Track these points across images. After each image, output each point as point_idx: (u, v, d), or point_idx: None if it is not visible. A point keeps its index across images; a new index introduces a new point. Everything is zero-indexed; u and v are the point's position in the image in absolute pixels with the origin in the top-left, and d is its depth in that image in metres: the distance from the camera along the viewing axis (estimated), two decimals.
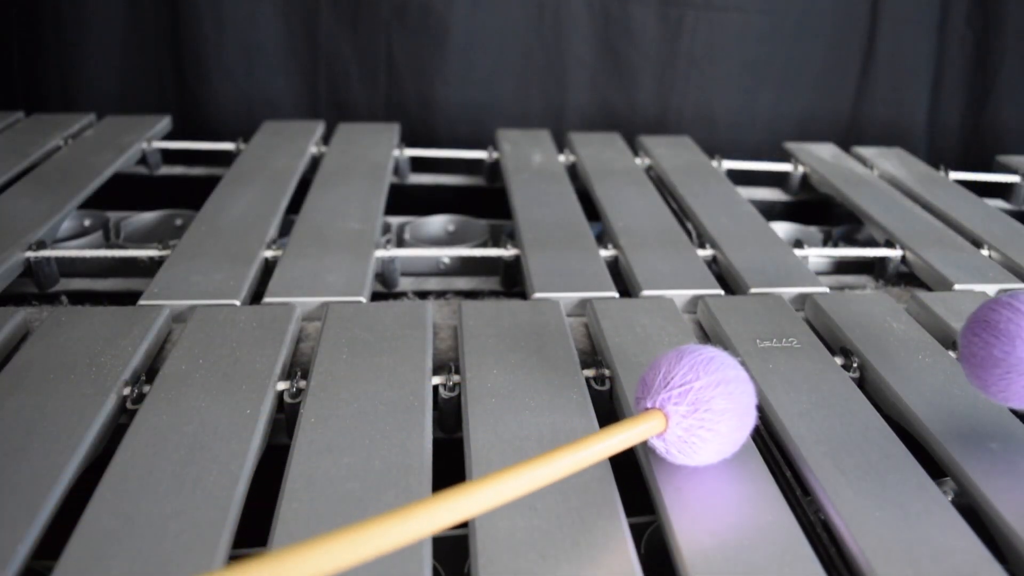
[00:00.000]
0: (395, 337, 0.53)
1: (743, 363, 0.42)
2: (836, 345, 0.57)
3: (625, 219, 0.76)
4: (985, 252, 0.72)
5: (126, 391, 0.48)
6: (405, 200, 0.91)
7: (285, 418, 0.48)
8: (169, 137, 0.98)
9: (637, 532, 0.43)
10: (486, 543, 0.36)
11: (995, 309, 0.42)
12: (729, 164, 0.96)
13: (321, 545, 0.28)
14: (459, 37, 1.21)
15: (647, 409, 0.40)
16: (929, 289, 0.69)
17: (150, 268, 0.67)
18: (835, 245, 0.89)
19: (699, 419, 0.38)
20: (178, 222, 0.86)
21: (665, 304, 0.60)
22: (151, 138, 0.94)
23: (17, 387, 0.47)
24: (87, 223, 0.84)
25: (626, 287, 0.66)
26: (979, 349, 0.42)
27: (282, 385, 0.49)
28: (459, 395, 0.49)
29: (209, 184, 0.81)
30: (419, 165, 0.98)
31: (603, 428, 0.38)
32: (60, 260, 0.68)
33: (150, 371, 0.51)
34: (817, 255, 0.74)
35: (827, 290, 0.64)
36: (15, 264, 0.64)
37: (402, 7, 1.19)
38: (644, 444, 0.44)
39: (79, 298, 0.67)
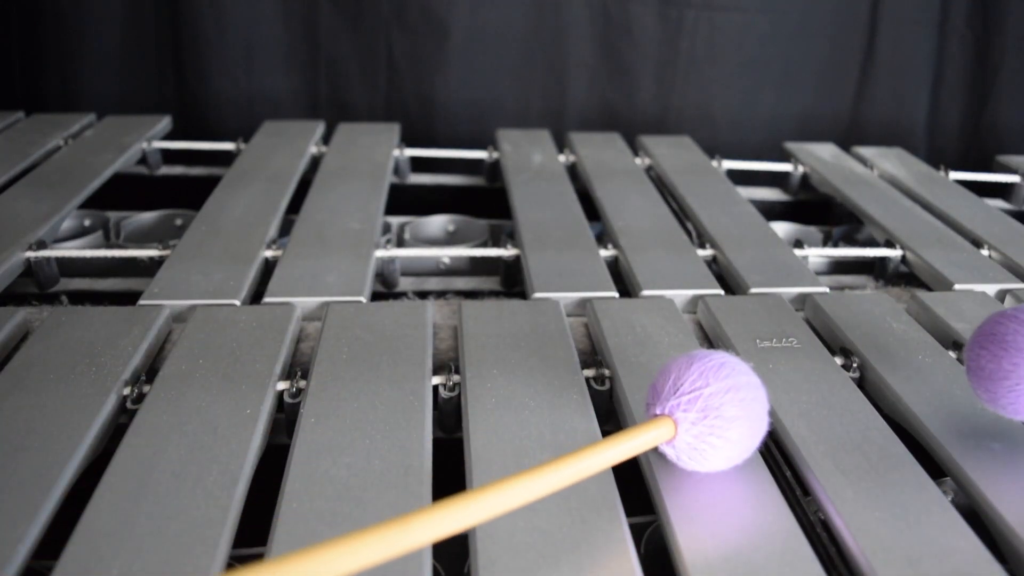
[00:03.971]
0: (395, 337, 0.53)
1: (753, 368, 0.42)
2: (836, 345, 0.57)
3: (625, 219, 0.76)
4: (985, 252, 0.72)
5: (126, 391, 0.48)
6: (405, 200, 0.91)
7: (285, 418, 0.48)
8: (169, 137, 0.98)
9: (637, 532, 0.43)
10: (486, 543, 0.36)
11: (1001, 322, 0.42)
12: (729, 164, 0.96)
13: (322, 552, 0.28)
14: (459, 37, 1.21)
15: (656, 416, 0.40)
16: (929, 289, 0.69)
17: (150, 268, 0.67)
18: (835, 245, 0.89)
19: (709, 426, 0.38)
20: (178, 222, 0.86)
21: (665, 304, 0.60)
22: (151, 138, 0.94)
23: (17, 387, 0.47)
24: (87, 223, 0.84)
25: (626, 287, 0.66)
26: (987, 362, 0.42)
27: (282, 385, 0.49)
28: (459, 395, 0.49)
29: (209, 184, 0.81)
30: (419, 165, 0.98)
31: (611, 435, 0.38)
32: (60, 260, 0.68)
33: (150, 371, 0.51)
34: (817, 255, 0.74)
35: (827, 290, 0.64)
36: (15, 264, 0.64)
37: (402, 7, 1.19)
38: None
39: (79, 298, 0.67)
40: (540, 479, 0.34)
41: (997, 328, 0.42)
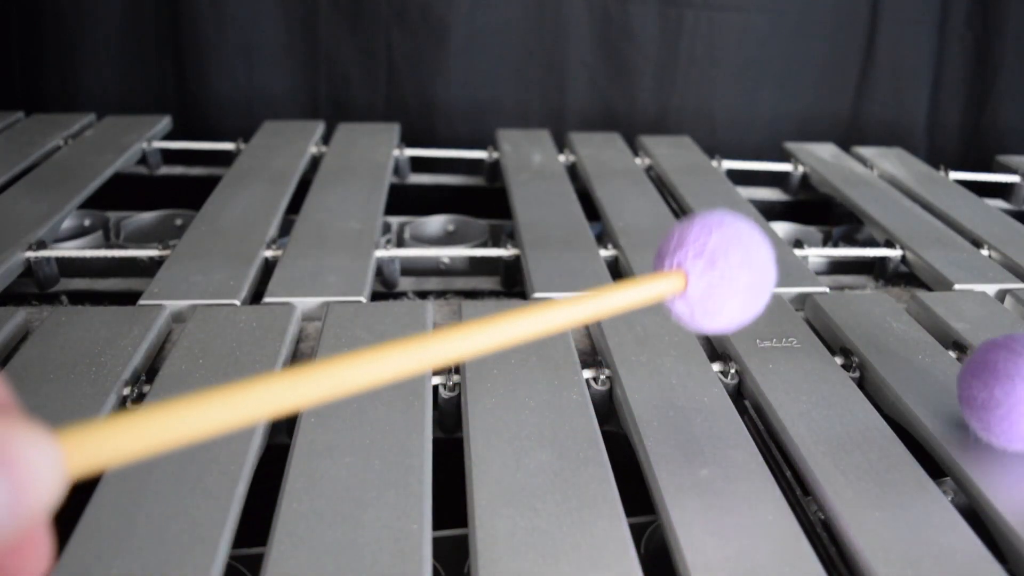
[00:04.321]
0: (395, 337, 0.53)
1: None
2: (836, 345, 0.57)
3: (625, 219, 0.76)
4: (985, 252, 0.72)
5: (126, 391, 0.48)
6: (405, 200, 0.91)
7: (285, 418, 0.48)
8: (169, 137, 0.98)
9: (637, 532, 0.43)
10: (486, 543, 0.36)
11: (991, 351, 0.42)
12: (729, 164, 0.95)
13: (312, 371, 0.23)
14: (459, 37, 1.21)
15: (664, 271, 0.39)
16: (929, 289, 0.69)
17: (150, 268, 0.67)
18: (835, 245, 0.89)
19: (719, 275, 0.37)
20: (178, 222, 0.86)
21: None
22: (151, 138, 0.94)
23: (17, 387, 0.47)
24: (87, 223, 0.84)
25: None
26: (979, 392, 0.42)
27: None
28: (459, 395, 0.49)
29: (209, 184, 0.81)
30: (419, 165, 0.98)
31: (618, 281, 0.36)
32: (60, 260, 0.68)
33: (150, 371, 0.51)
34: (817, 255, 0.74)
35: (827, 290, 0.64)
36: (15, 264, 0.64)
37: (402, 7, 1.19)
38: (643, 444, 0.44)
39: (79, 298, 0.67)
40: (542, 315, 0.32)
41: (988, 357, 0.42)
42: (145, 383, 0.48)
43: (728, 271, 0.37)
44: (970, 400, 0.42)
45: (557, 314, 0.32)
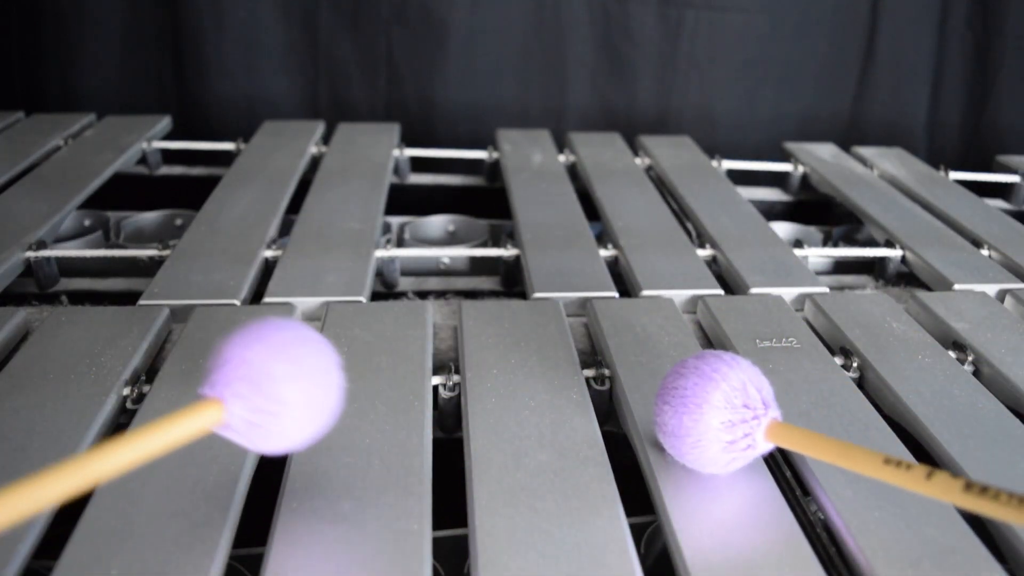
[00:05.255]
0: (395, 337, 0.53)
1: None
2: (836, 345, 0.57)
3: (625, 219, 0.76)
4: (985, 252, 0.72)
5: (126, 391, 0.48)
6: (405, 200, 0.91)
7: None
8: (169, 137, 0.98)
9: (637, 532, 0.43)
10: (486, 543, 0.36)
11: (682, 374, 0.39)
12: (729, 164, 0.95)
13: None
14: (459, 37, 1.21)
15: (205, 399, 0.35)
16: (929, 289, 0.69)
17: (150, 268, 0.67)
18: (835, 245, 0.89)
19: (261, 396, 0.34)
20: (178, 222, 0.86)
21: (665, 304, 0.60)
22: (151, 138, 0.94)
23: (17, 387, 0.47)
24: (87, 223, 0.84)
25: (626, 287, 0.66)
26: (669, 419, 0.39)
27: None
28: (459, 395, 0.49)
29: (209, 184, 0.81)
30: (419, 165, 0.98)
31: (149, 425, 0.34)
32: (60, 260, 0.68)
33: (150, 371, 0.51)
34: (817, 255, 0.74)
35: (827, 290, 0.64)
36: (15, 264, 0.64)
37: (402, 7, 1.19)
38: (643, 444, 0.44)
39: (79, 298, 0.67)
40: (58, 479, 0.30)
41: (678, 382, 0.39)
42: (145, 383, 0.48)
43: (271, 389, 0.34)
44: (663, 426, 0.40)
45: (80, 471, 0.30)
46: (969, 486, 0.31)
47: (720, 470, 0.40)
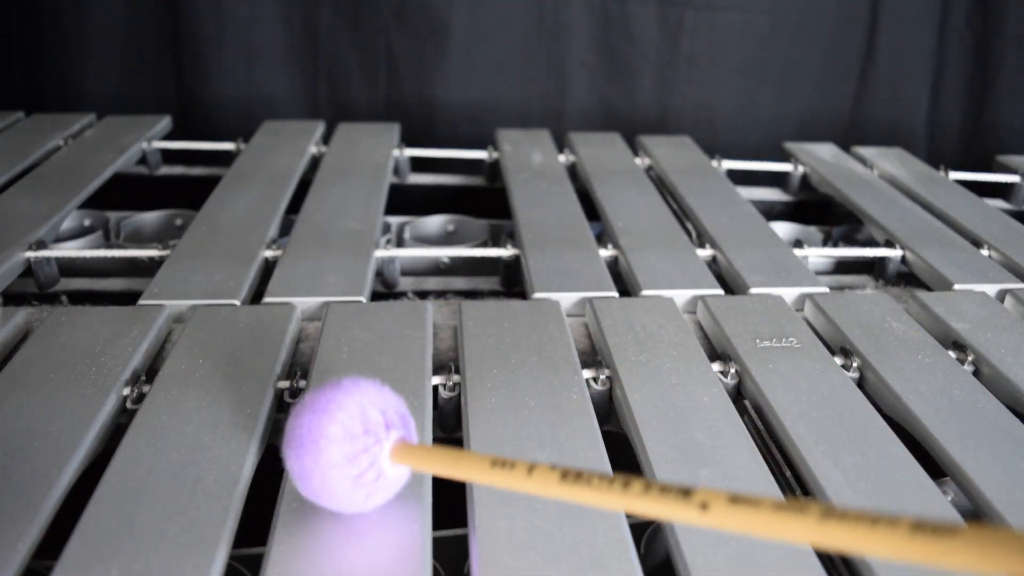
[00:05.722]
0: (395, 337, 0.53)
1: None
2: (836, 345, 0.57)
3: (625, 219, 0.76)
4: (985, 252, 0.72)
5: (126, 391, 0.48)
6: (405, 200, 0.91)
7: (285, 418, 0.48)
8: (169, 137, 0.98)
9: (637, 532, 0.43)
10: (486, 543, 0.36)
11: (295, 421, 0.37)
12: (729, 164, 0.95)
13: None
14: (459, 37, 1.21)
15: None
16: (929, 289, 0.69)
17: (150, 268, 0.67)
18: (835, 245, 0.89)
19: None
20: (178, 222, 0.86)
21: (665, 304, 0.60)
22: (151, 138, 0.94)
23: (17, 387, 0.47)
24: (87, 223, 0.84)
25: (626, 287, 0.66)
26: (295, 464, 0.36)
27: (282, 385, 0.49)
28: (459, 395, 0.49)
29: (209, 184, 0.81)
30: (419, 165, 0.98)
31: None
32: (60, 260, 0.68)
33: (150, 371, 0.51)
34: (817, 255, 0.74)
35: (827, 290, 0.64)
36: (15, 264, 0.64)
37: (402, 7, 1.19)
38: (643, 444, 0.44)
39: (79, 298, 0.67)
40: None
41: (293, 431, 0.36)
42: (145, 383, 0.48)
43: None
44: (295, 475, 0.37)
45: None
46: (567, 475, 0.30)
47: (360, 507, 0.37)
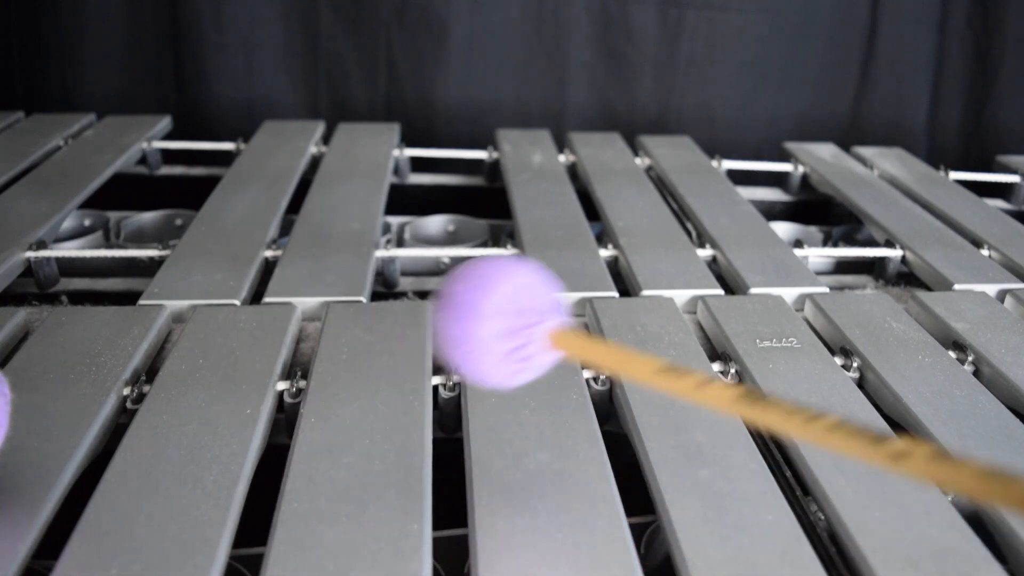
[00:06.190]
0: (395, 337, 0.53)
1: None
2: (836, 345, 0.57)
3: (625, 219, 0.76)
4: (985, 252, 0.72)
5: (126, 391, 0.48)
6: (405, 200, 0.91)
7: (285, 418, 0.48)
8: (169, 137, 0.98)
9: (637, 532, 0.43)
10: (486, 543, 0.36)
11: (458, 280, 0.36)
12: (729, 164, 0.95)
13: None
14: (459, 37, 1.21)
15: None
16: (929, 289, 0.69)
17: (150, 268, 0.67)
18: (835, 245, 0.89)
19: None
20: (178, 222, 0.86)
21: (665, 304, 0.60)
22: (151, 138, 0.94)
23: (17, 387, 0.47)
24: (87, 223, 0.84)
25: (626, 287, 0.66)
26: (446, 326, 0.36)
27: (282, 385, 0.49)
28: (459, 395, 0.49)
29: (209, 184, 0.81)
30: (419, 165, 0.98)
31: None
32: (60, 260, 0.68)
33: (150, 371, 0.51)
34: (817, 255, 0.74)
35: (827, 290, 0.64)
36: (15, 264, 0.64)
37: (402, 7, 1.19)
38: (643, 444, 0.44)
39: (79, 298, 0.67)
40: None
41: (454, 288, 0.36)
42: (145, 383, 0.48)
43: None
44: (444, 335, 0.36)
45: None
46: (746, 395, 0.30)
47: (504, 382, 0.37)
